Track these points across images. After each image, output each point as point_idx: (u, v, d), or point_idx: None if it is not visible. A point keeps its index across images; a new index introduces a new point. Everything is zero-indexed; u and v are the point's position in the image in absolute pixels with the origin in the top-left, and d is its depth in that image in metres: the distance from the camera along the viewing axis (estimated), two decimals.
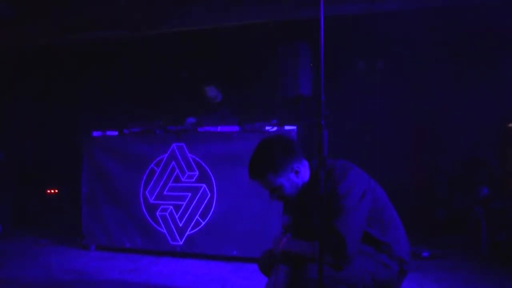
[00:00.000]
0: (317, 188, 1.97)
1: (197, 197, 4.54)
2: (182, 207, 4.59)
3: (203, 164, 4.53)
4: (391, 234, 2.29)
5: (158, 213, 4.69)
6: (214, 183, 4.48)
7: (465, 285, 3.50)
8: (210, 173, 4.50)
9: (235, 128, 4.54)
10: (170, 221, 4.63)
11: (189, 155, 4.59)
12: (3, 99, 6.96)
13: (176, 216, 4.61)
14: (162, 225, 4.67)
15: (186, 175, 4.59)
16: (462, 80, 5.47)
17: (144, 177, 4.76)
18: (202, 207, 4.51)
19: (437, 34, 5.42)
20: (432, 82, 5.61)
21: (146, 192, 4.74)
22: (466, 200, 5.06)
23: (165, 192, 4.67)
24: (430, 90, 5.61)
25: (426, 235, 5.00)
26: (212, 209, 4.48)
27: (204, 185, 4.52)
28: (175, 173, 4.64)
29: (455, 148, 5.48)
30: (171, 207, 4.65)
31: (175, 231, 4.61)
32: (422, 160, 5.70)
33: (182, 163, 4.61)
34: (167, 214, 4.65)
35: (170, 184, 4.66)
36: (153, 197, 4.71)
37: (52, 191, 6.81)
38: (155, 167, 4.73)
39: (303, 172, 2.33)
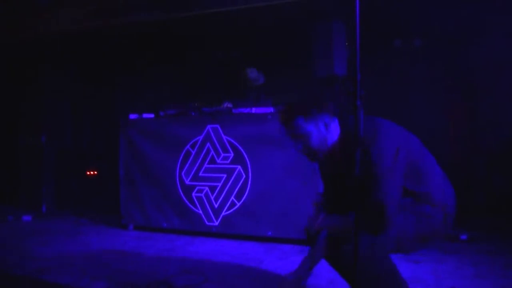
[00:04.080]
0: (347, 148, 1.99)
1: (232, 179, 4.57)
2: (218, 188, 4.64)
3: (237, 145, 4.56)
4: (430, 182, 2.24)
5: (194, 194, 4.75)
6: (249, 165, 4.50)
7: (505, 270, 3.41)
8: (245, 155, 4.52)
9: (270, 110, 4.53)
10: (206, 202, 4.69)
11: (224, 136, 4.62)
12: (43, 84, 7.14)
13: (212, 197, 4.66)
14: (198, 206, 4.73)
15: (221, 156, 4.63)
16: (504, 55, 5.26)
17: (180, 159, 4.83)
18: (237, 188, 4.55)
19: (477, 10, 5.22)
20: (472, 58, 5.42)
21: (182, 174, 4.81)
22: (507, 181, 4.91)
23: (200, 174, 4.73)
24: (470, 67, 5.43)
25: (464, 217, 4.89)
26: (247, 190, 4.51)
27: (239, 167, 4.54)
28: (210, 155, 4.68)
29: (495, 126, 5.30)
30: (206, 188, 4.70)
31: (210, 212, 4.67)
32: (460, 139, 5.56)
33: (217, 144, 4.64)
34: (202, 195, 4.71)
35: (205, 166, 4.71)
36: (189, 179, 4.78)
37: (92, 172, 6.99)
38: (190, 149, 4.79)
39: (333, 129, 2.29)
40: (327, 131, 2.27)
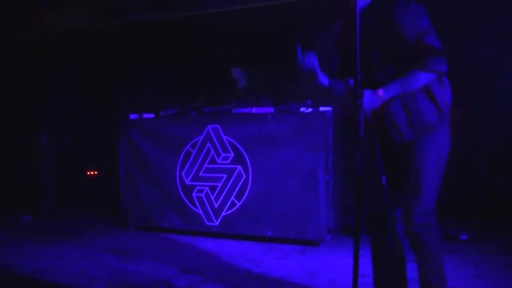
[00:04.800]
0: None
1: (232, 179, 4.57)
2: (218, 188, 4.64)
3: (238, 145, 4.55)
4: None
5: (194, 194, 4.75)
6: (249, 165, 4.50)
7: (505, 270, 3.41)
8: (245, 155, 4.52)
9: (270, 110, 4.53)
10: (206, 202, 4.69)
11: (224, 136, 4.62)
12: (43, 84, 7.14)
13: (212, 197, 4.66)
14: (198, 206, 4.73)
15: (221, 156, 4.63)
16: (504, 55, 5.25)
17: (180, 159, 4.82)
18: (237, 188, 4.55)
19: (477, 10, 5.20)
20: (472, 58, 5.42)
21: (183, 174, 4.81)
22: (507, 180, 4.91)
23: (200, 174, 4.73)
24: (470, 67, 5.41)
25: (464, 218, 4.90)
26: (247, 191, 4.51)
27: (239, 167, 4.54)
28: (210, 155, 4.68)
29: (495, 126, 5.29)
30: (206, 188, 4.70)
31: (211, 212, 4.67)
32: (461, 139, 5.53)
33: (217, 144, 4.64)
34: (203, 195, 4.71)
35: (205, 166, 4.71)
36: (189, 179, 4.78)
37: (92, 172, 6.99)
38: (190, 149, 4.79)
39: None
40: None
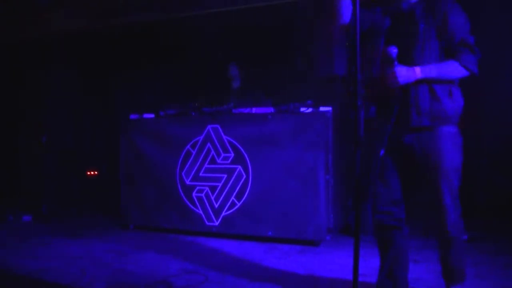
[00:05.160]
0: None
1: (232, 179, 4.57)
2: (218, 188, 4.64)
3: (238, 145, 4.55)
4: None
5: (194, 194, 4.75)
6: (249, 165, 4.50)
7: (505, 270, 3.40)
8: (245, 155, 4.52)
9: (270, 110, 4.53)
10: (206, 202, 4.69)
11: (224, 136, 4.61)
12: (43, 84, 7.14)
13: (212, 197, 4.66)
14: (198, 206, 4.73)
15: (222, 156, 4.62)
16: (506, 55, 5.23)
17: (181, 159, 4.82)
18: (238, 188, 4.54)
19: (477, 9, 5.18)
20: None
21: (183, 174, 4.81)
22: (507, 181, 4.90)
23: (201, 174, 4.73)
24: None
25: (464, 218, 4.89)
26: (248, 191, 4.50)
27: (239, 167, 4.54)
28: (210, 155, 4.68)
29: (496, 127, 5.28)
30: (207, 188, 4.70)
31: (211, 212, 4.67)
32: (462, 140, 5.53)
33: (218, 144, 4.64)
34: (203, 195, 4.71)
35: (206, 166, 4.71)
36: (189, 179, 4.77)
37: (92, 172, 6.99)
38: (191, 149, 4.78)
39: None
40: None
